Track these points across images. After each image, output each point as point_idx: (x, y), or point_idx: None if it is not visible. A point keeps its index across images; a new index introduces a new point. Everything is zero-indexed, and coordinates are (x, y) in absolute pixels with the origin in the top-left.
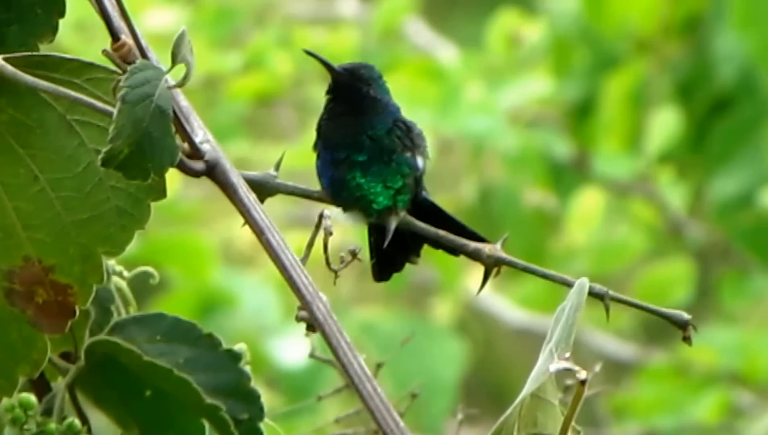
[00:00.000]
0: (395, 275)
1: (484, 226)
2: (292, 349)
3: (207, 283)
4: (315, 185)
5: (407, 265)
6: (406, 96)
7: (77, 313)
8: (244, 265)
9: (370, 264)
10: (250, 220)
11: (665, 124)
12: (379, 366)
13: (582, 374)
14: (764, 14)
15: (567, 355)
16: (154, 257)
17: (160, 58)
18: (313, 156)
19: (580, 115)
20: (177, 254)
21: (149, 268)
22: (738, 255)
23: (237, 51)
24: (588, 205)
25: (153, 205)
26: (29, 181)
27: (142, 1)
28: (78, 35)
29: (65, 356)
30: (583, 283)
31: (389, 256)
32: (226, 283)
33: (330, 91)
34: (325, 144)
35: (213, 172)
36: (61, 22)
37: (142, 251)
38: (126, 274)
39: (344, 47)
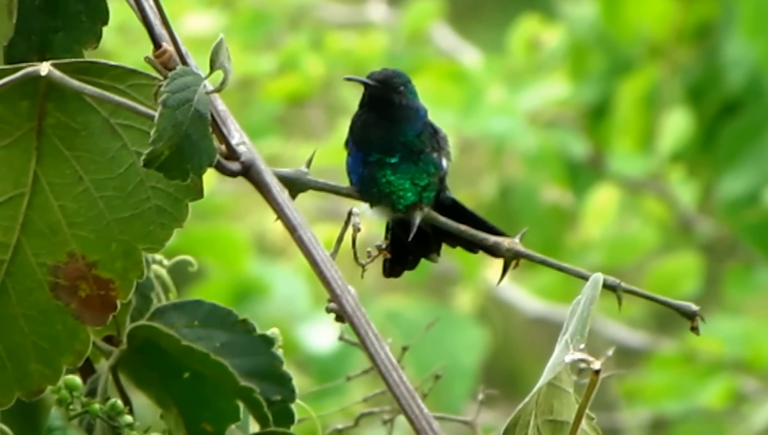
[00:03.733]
0: (419, 267)
1: (504, 222)
2: (321, 334)
3: (241, 272)
4: (343, 182)
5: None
6: (431, 98)
7: (118, 306)
8: (276, 255)
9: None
10: (283, 217)
11: (676, 125)
12: (404, 349)
13: (596, 365)
14: None
15: (582, 346)
16: (192, 248)
17: (198, 60)
18: (343, 154)
19: (596, 116)
20: (213, 245)
21: (188, 257)
22: (744, 250)
23: (271, 54)
24: (603, 201)
25: (196, 200)
26: (74, 181)
27: (181, 6)
28: (121, 38)
29: (108, 340)
30: (597, 278)
31: (403, 254)
32: (259, 273)
33: (365, 102)
34: (358, 146)
35: (248, 173)
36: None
37: (181, 243)
38: (166, 262)
39: (373, 50)
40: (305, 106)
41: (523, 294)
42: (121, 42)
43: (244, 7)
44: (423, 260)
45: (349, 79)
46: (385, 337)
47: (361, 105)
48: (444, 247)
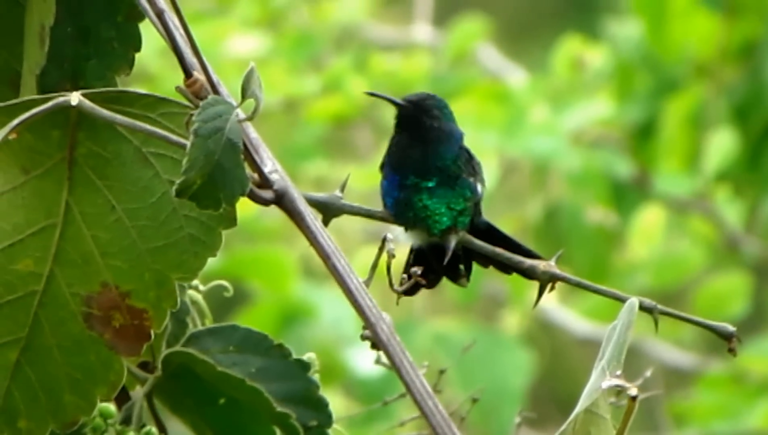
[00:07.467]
0: (467, 290)
1: (549, 243)
2: (367, 358)
3: (288, 296)
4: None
5: (475, 279)
6: (474, 118)
7: (152, 336)
8: (323, 279)
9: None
10: (317, 246)
11: (722, 144)
12: (441, 372)
13: (633, 391)
14: None
15: (618, 372)
16: (238, 271)
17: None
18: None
19: (642, 136)
20: (260, 268)
21: (223, 282)
22: None
23: (316, 75)
24: (649, 221)
25: (230, 228)
26: (107, 210)
27: (226, 28)
28: (164, 61)
29: (143, 366)
30: (633, 303)
31: (425, 274)
32: (306, 296)
33: (397, 124)
34: (395, 169)
35: (281, 201)
36: (148, 48)
37: (228, 265)
38: (201, 287)
39: (417, 72)
40: (352, 127)
41: (571, 316)
42: (166, 65)
43: (289, 29)
44: (470, 282)
45: (372, 95)
46: (432, 359)
47: (396, 126)
48: (477, 271)
